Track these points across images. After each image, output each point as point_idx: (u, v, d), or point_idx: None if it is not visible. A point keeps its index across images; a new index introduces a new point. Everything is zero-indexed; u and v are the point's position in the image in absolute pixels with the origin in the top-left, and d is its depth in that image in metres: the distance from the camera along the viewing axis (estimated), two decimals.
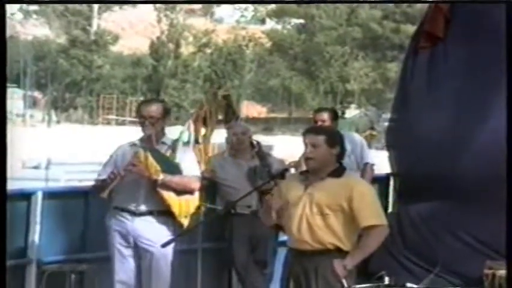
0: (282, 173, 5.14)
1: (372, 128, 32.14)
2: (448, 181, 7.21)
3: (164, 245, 4.95)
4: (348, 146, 6.86)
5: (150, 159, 5.25)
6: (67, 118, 53.95)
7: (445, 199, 7.29)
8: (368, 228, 4.46)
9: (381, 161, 8.17)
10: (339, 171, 4.58)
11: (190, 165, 5.46)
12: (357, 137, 7.84)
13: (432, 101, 7.57)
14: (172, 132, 5.68)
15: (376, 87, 49.92)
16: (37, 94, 58.05)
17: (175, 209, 5.31)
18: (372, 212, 4.49)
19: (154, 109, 5.41)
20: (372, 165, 7.33)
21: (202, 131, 5.85)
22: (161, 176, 5.25)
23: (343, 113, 37.72)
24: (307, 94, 51.79)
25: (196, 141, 5.80)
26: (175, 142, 5.50)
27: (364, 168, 7.24)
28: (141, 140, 5.48)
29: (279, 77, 52.99)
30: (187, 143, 5.66)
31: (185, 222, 5.37)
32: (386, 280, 7.55)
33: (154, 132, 5.37)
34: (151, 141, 5.37)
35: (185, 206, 5.36)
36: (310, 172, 4.58)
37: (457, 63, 7.51)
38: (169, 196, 5.29)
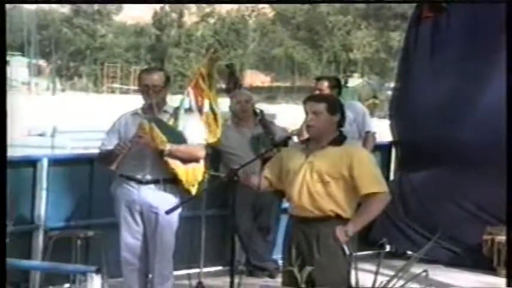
0: (285, 141, 5.19)
1: (375, 97, 32.01)
2: (449, 149, 7.28)
3: (168, 212, 5.00)
4: (350, 115, 6.94)
5: (156, 130, 5.28)
6: (72, 86, 53.95)
7: (446, 167, 7.37)
8: (369, 195, 4.50)
9: (383, 130, 8.23)
10: (339, 140, 4.62)
11: (194, 132, 5.47)
12: (359, 105, 7.88)
13: (434, 70, 7.62)
14: (174, 100, 5.70)
15: (379, 56, 49.75)
16: (42, 62, 58.00)
17: (183, 177, 5.35)
18: (372, 179, 4.53)
19: (157, 77, 5.43)
20: (374, 133, 7.37)
21: (205, 96, 5.84)
22: (167, 146, 5.28)
23: (346, 82, 37.54)
24: (311, 63, 51.67)
25: (201, 108, 5.80)
26: (176, 110, 5.49)
27: (366, 136, 7.29)
28: (143, 108, 5.49)
29: (282, 46, 52.82)
30: (189, 110, 5.67)
31: (193, 189, 5.41)
32: (388, 248, 7.65)
33: (157, 100, 5.39)
34: (153, 110, 5.39)
35: (192, 174, 5.40)
36: (311, 140, 4.63)
37: (459, 33, 7.54)
38: (175, 164, 5.33)
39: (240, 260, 6.77)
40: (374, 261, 6.27)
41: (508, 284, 5.23)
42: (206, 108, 5.83)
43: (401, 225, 7.64)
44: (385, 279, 4.00)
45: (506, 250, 6.43)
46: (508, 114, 5.89)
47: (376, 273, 4.07)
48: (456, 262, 7.28)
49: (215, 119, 5.89)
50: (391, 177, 7.95)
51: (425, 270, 4.16)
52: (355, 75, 46.83)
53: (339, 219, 4.52)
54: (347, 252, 4.53)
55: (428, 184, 7.54)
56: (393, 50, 43.47)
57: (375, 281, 4.03)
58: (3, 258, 4.04)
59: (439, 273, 6.66)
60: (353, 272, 4.42)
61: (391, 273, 4.05)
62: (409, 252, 7.37)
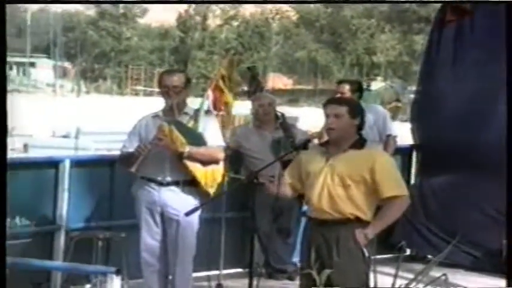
0: (305, 144, 5.20)
1: (398, 100, 31.96)
2: (470, 152, 7.24)
3: (188, 214, 5.02)
4: (371, 118, 6.93)
5: (175, 132, 5.30)
6: (96, 88, 54.31)
7: (467, 171, 7.33)
8: (389, 198, 4.51)
9: (405, 133, 8.21)
10: (360, 143, 4.62)
11: (214, 134, 5.49)
12: (380, 108, 7.87)
13: (457, 74, 7.58)
14: (197, 102, 5.73)
15: (402, 59, 49.60)
16: (67, 65, 58.47)
17: (202, 179, 5.37)
18: (393, 183, 4.54)
19: (177, 79, 5.45)
20: (395, 136, 7.36)
21: (223, 99, 5.87)
22: (187, 149, 5.30)
23: (369, 85, 37.51)
24: (334, 66, 51.61)
25: (216, 109, 5.82)
26: (196, 112, 5.51)
27: (387, 139, 7.27)
28: (164, 111, 5.52)
29: (305, 49, 52.81)
30: (208, 112, 5.69)
31: (211, 191, 5.43)
32: (408, 251, 7.63)
33: (177, 101, 5.42)
34: (174, 112, 5.41)
35: (211, 176, 5.42)
36: (331, 143, 4.63)
37: (482, 36, 7.50)
38: (195, 167, 5.34)
39: (260, 262, 6.77)
40: (394, 264, 6.26)
41: (508, 284, 5.19)
42: (223, 110, 5.85)
43: (422, 228, 7.62)
44: (404, 282, 3.99)
45: (506, 250, 6.38)
46: (508, 114, 5.85)
47: (395, 276, 4.06)
48: (476, 266, 7.25)
49: (230, 121, 5.91)
50: (412, 180, 7.93)
51: (444, 274, 4.14)
52: (378, 78, 46.78)
53: (359, 222, 4.53)
54: (366, 255, 4.53)
55: (449, 188, 7.51)
56: (417, 54, 43.35)
57: (393, 284, 4.03)
58: (3, 258, 4.07)
59: (459, 277, 6.64)
60: (372, 275, 4.42)
61: (411, 276, 4.04)
62: (430, 256, 7.35)
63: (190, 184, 5.40)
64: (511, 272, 5.43)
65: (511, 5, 6.36)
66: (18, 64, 59.55)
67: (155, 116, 5.56)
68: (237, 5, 55.05)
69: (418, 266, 6.54)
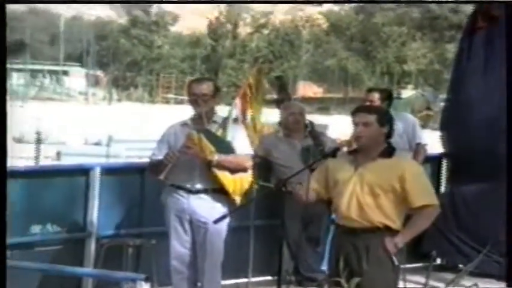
0: (334, 152, 5.18)
1: (429, 108, 31.79)
2: (501, 161, 7.18)
3: (216, 221, 5.04)
4: (400, 126, 6.90)
5: (204, 140, 5.32)
6: (128, 96, 54.68)
7: (497, 179, 7.26)
8: (419, 208, 4.50)
9: (436, 141, 8.17)
10: (389, 152, 4.62)
11: (242, 143, 5.52)
12: (410, 117, 7.82)
13: (487, 81, 7.53)
14: (225, 111, 5.75)
15: (433, 67, 49.33)
16: (99, 73, 58.97)
17: (230, 187, 5.39)
18: (423, 192, 4.53)
19: (206, 87, 5.48)
20: (424, 145, 7.32)
21: (250, 107, 5.89)
22: (215, 157, 5.32)
23: (400, 93, 37.37)
24: (364, 74, 51.46)
25: (244, 117, 5.84)
26: (225, 120, 5.54)
27: (417, 148, 7.23)
28: (192, 119, 5.55)
29: (335, 57, 52.73)
30: (236, 120, 5.71)
31: (239, 199, 5.45)
32: (438, 260, 7.59)
33: (206, 109, 5.44)
34: (203, 121, 5.44)
35: (239, 184, 5.44)
36: (360, 151, 4.63)
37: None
38: (223, 175, 5.37)
39: (289, 270, 6.77)
40: (424, 273, 6.24)
41: (508, 284, 5.14)
42: (250, 118, 5.87)
43: (453, 238, 7.56)
44: None
45: (506, 250, 6.32)
46: (508, 115, 5.80)
47: (425, 285, 4.04)
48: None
49: (255, 129, 5.92)
50: (442, 189, 7.88)
51: (475, 284, 4.11)
52: (409, 86, 46.55)
53: (388, 230, 4.52)
54: (396, 263, 4.52)
55: (479, 196, 7.45)
56: (448, 62, 43.08)
57: None
58: (3, 259, 4.11)
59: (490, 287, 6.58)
60: (401, 284, 4.40)
61: (441, 286, 4.01)
62: (460, 265, 7.30)
63: (219, 192, 5.42)
64: (511, 272, 5.38)
65: (511, 5, 6.31)
66: (52, 72, 60.20)
67: (184, 124, 5.59)
68: (267, 12, 55.13)
69: (449, 276, 6.50)
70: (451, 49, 44.20)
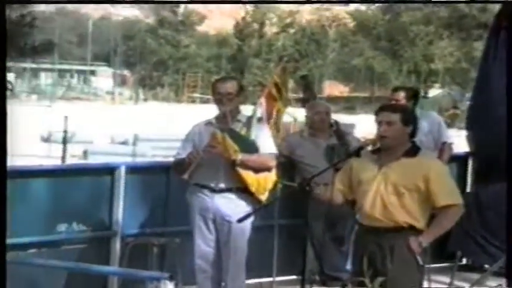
0: (358, 151, 5.17)
1: (455, 107, 31.61)
2: None
3: (240, 220, 5.05)
4: (426, 125, 6.87)
5: (228, 140, 5.34)
6: (154, 96, 54.88)
7: None
8: (444, 207, 4.49)
9: (463, 140, 8.13)
10: (413, 151, 4.61)
11: (266, 142, 5.52)
12: (435, 116, 7.79)
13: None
14: (250, 110, 5.75)
15: (460, 66, 48.97)
16: (126, 72, 59.27)
17: (253, 187, 5.41)
18: (448, 191, 4.53)
19: (230, 86, 5.50)
20: (450, 144, 7.27)
21: (274, 106, 5.89)
22: (239, 156, 5.34)
23: (427, 92, 37.17)
24: (391, 73, 51.23)
25: (269, 117, 5.85)
26: (249, 119, 5.55)
27: (442, 147, 7.19)
28: (217, 118, 5.57)
29: (362, 56, 52.56)
30: (261, 119, 5.72)
31: (263, 198, 5.46)
32: (464, 260, 7.54)
33: (230, 108, 5.46)
34: (227, 120, 5.46)
35: (263, 183, 5.45)
36: (384, 151, 4.62)
37: None
38: (247, 174, 5.38)
39: (314, 270, 6.76)
40: (449, 273, 6.21)
41: (508, 284, 5.09)
42: (275, 117, 5.88)
43: (478, 237, 7.50)
44: None
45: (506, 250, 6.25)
46: (508, 115, 5.75)
47: (450, 285, 4.03)
48: None
49: (278, 128, 5.93)
50: (468, 188, 7.83)
51: (500, 285, 4.10)
52: (436, 85, 46.25)
53: (413, 230, 4.52)
54: (420, 263, 4.50)
55: (505, 196, 7.38)
56: (475, 60, 42.75)
57: None
58: (3, 258, 4.15)
59: None
60: (426, 284, 4.39)
61: (466, 286, 4.00)
62: (486, 266, 7.25)
63: (243, 191, 5.44)
64: (511, 272, 5.33)
65: (511, 5, 6.26)
66: (79, 72, 60.63)
67: (208, 123, 5.61)
68: (294, 12, 55.08)
69: (474, 276, 6.47)
70: (478, 47, 43.80)
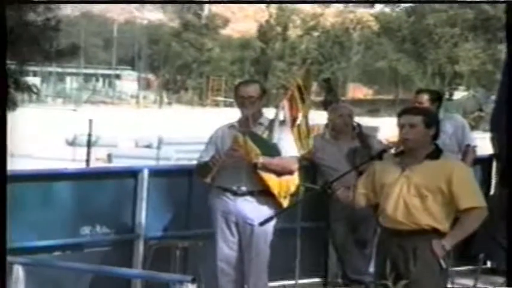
0: (380, 154, 5.16)
1: (480, 110, 31.38)
2: None
3: (262, 223, 5.06)
4: (450, 128, 6.84)
5: (250, 143, 5.35)
6: (178, 99, 55.07)
7: None
8: (467, 210, 4.47)
9: (487, 142, 8.08)
10: (436, 153, 4.59)
11: (288, 145, 5.52)
12: (459, 118, 7.74)
13: None
14: (273, 113, 5.76)
15: (485, 68, 48.62)
16: (150, 76, 59.52)
17: (275, 190, 5.40)
18: (471, 194, 4.50)
19: (253, 89, 5.51)
20: (474, 146, 7.23)
21: (297, 109, 5.88)
22: (261, 159, 5.34)
23: (451, 94, 36.93)
24: (415, 76, 50.98)
25: (292, 120, 5.85)
26: (272, 122, 5.55)
27: (466, 150, 7.15)
28: (239, 121, 5.58)
29: (386, 58, 52.37)
30: (283, 122, 5.72)
31: (285, 202, 5.45)
32: (489, 264, 7.49)
33: (253, 111, 5.47)
34: (249, 123, 5.47)
35: (285, 187, 5.45)
36: (407, 153, 4.60)
37: None
38: (269, 177, 5.39)
39: (338, 273, 6.75)
40: (473, 276, 6.17)
41: (508, 284, 5.05)
42: (299, 120, 5.87)
43: (502, 240, 7.45)
44: None
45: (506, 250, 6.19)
46: (508, 115, 5.69)
47: None
48: None
49: (306, 132, 5.92)
50: (492, 191, 7.78)
51: None
52: (461, 88, 45.92)
53: (436, 233, 4.50)
54: (444, 266, 4.48)
55: None
56: (500, 62, 42.42)
57: None
58: (3, 258, 4.17)
59: None
60: (450, 287, 4.37)
61: None
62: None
63: (265, 194, 5.43)
64: (511, 271, 5.29)
65: (511, 4, 6.20)
66: (104, 76, 60.97)
67: (231, 126, 5.62)
68: (317, 14, 55.01)
69: (499, 279, 6.42)
70: (503, 50, 43.51)
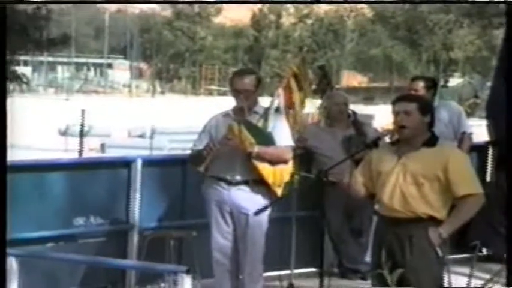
0: (375, 142, 5.12)
1: (476, 96, 31.40)
2: None
3: (257, 213, 5.03)
4: (446, 115, 6.81)
5: (244, 132, 5.32)
6: (171, 88, 55.03)
7: None
8: (464, 197, 4.44)
9: (484, 129, 8.06)
10: (432, 141, 4.56)
11: (283, 134, 5.49)
12: (455, 105, 7.72)
13: None
14: (268, 101, 5.72)
15: (481, 54, 48.63)
16: (143, 65, 59.43)
17: (270, 179, 5.38)
18: (467, 181, 4.47)
19: (248, 82, 5.47)
20: (470, 134, 7.20)
21: (293, 97, 5.84)
22: (255, 148, 5.32)
23: (447, 81, 36.95)
24: (410, 63, 50.98)
25: (287, 108, 5.81)
26: (267, 111, 5.52)
27: (462, 137, 7.13)
28: (234, 110, 5.54)
29: (380, 46, 52.35)
30: (278, 111, 5.67)
31: (279, 191, 5.43)
32: (485, 251, 7.47)
33: (248, 103, 5.43)
34: (244, 112, 5.43)
35: (279, 176, 5.42)
36: (402, 141, 4.57)
37: None
38: (263, 166, 5.36)
39: (334, 262, 6.73)
40: (469, 264, 6.14)
41: (508, 283, 5.02)
42: (294, 109, 5.83)
43: (499, 227, 7.44)
44: (480, 282, 3.90)
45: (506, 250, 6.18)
46: (508, 115, 5.66)
47: (471, 276, 3.97)
48: None
49: (301, 119, 5.88)
50: (488, 178, 7.76)
51: None
52: (456, 74, 45.95)
53: (432, 221, 4.47)
54: (440, 254, 4.46)
55: None
56: (496, 48, 42.41)
57: (469, 284, 3.94)
58: (3, 258, 4.13)
59: None
60: (446, 275, 4.34)
61: (488, 276, 3.94)
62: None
63: (259, 183, 5.40)
64: (511, 271, 5.26)
65: (511, 4, 6.16)
66: (96, 65, 60.85)
67: (226, 115, 5.59)
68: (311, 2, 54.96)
69: (495, 266, 6.39)
70: (499, 35, 43.46)
